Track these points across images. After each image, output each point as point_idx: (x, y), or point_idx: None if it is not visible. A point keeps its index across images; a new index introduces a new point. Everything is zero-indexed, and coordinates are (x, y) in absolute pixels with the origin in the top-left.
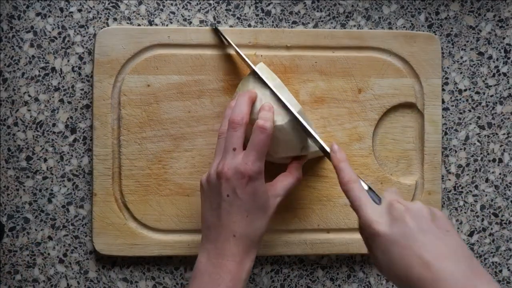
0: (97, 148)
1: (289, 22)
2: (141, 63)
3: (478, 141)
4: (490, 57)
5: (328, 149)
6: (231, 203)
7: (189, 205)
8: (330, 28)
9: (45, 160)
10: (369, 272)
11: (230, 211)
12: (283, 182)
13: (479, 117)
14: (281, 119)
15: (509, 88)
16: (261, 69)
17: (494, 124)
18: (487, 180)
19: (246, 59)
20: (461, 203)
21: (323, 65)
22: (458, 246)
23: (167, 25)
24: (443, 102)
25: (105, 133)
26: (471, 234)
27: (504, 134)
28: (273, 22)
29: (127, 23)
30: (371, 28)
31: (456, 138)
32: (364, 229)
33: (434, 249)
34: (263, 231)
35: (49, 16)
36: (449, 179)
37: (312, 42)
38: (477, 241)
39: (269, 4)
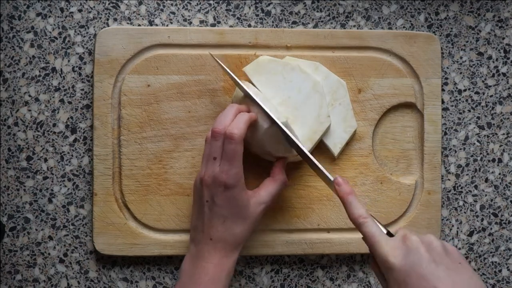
0: (97, 148)
1: (289, 22)
2: (141, 63)
3: (478, 141)
4: (489, 57)
5: (331, 178)
6: (210, 208)
7: (189, 205)
8: (330, 28)
9: (46, 160)
10: (369, 272)
11: (209, 216)
12: (268, 188)
13: (478, 117)
14: (266, 124)
15: (509, 88)
16: (259, 67)
17: (494, 124)
18: (486, 180)
19: (239, 82)
20: (461, 203)
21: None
22: (471, 278)
23: (167, 25)
24: (442, 102)
25: (105, 133)
26: (470, 234)
27: (503, 134)
28: (273, 22)
29: (127, 23)
30: (371, 28)
31: (456, 138)
32: (381, 263)
33: (448, 281)
34: (244, 236)
35: (49, 16)
36: (449, 179)
37: (312, 42)
38: (477, 241)
39: (269, 4)
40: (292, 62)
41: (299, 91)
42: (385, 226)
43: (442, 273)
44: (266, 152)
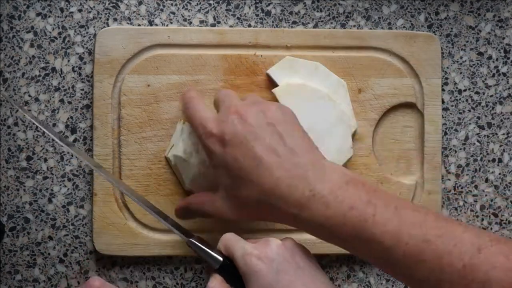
0: (97, 148)
1: (289, 22)
2: (141, 63)
3: (478, 141)
4: (490, 57)
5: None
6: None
7: None
8: (330, 28)
9: (45, 160)
10: (369, 272)
11: None
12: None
13: (478, 117)
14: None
15: (509, 88)
16: (288, 90)
17: (494, 124)
18: (486, 180)
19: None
20: (461, 203)
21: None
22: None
23: (167, 25)
24: (443, 102)
25: (105, 133)
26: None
27: (503, 134)
28: (273, 22)
29: (127, 23)
30: (371, 28)
31: (456, 138)
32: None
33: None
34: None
35: (49, 16)
36: (449, 179)
37: (312, 42)
38: None
39: (269, 4)
40: (322, 90)
41: (325, 120)
42: None
43: (307, 279)
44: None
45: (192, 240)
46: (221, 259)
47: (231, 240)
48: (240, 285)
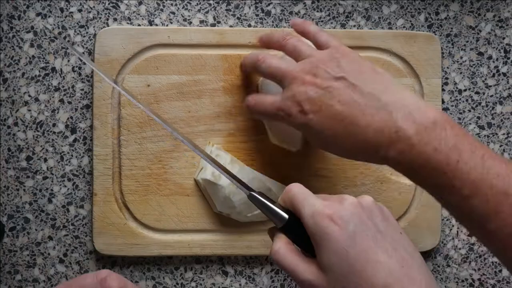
0: (97, 148)
1: (289, 22)
2: (141, 63)
3: None
4: (490, 57)
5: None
6: None
7: (189, 205)
8: (330, 28)
9: (45, 160)
10: None
11: None
12: None
13: (479, 117)
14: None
15: (509, 88)
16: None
17: (494, 124)
18: None
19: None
20: None
21: None
22: (410, 246)
23: (167, 25)
24: (443, 102)
25: (105, 133)
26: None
27: (504, 134)
28: (273, 22)
29: (127, 23)
30: (371, 28)
31: None
32: (312, 225)
33: (397, 255)
34: None
35: (49, 16)
36: None
37: None
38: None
39: (269, 4)
40: None
41: None
42: None
43: (388, 245)
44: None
45: (254, 194)
46: (286, 216)
47: (298, 194)
48: (307, 247)
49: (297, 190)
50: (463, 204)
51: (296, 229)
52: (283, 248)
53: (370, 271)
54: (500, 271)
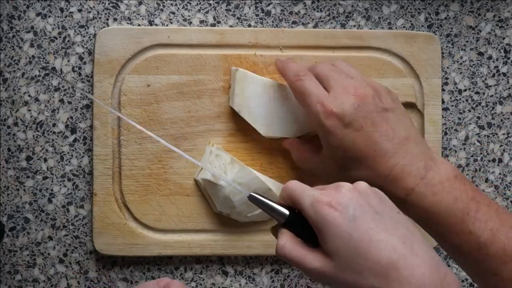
0: (97, 148)
1: (289, 22)
2: (141, 63)
3: (478, 141)
4: (490, 57)
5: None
6: None
7: (189, 205)
8: (330, 28)
9: (45, 160)
10: None
11: None
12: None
13: (479, 117)
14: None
15: (509, 88)
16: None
17: (494, 124)
18: (487, 180)
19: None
20: None
21: None
22: (409, 223)
23: (167, 25)
24: (443, 102)
25: (105, 133)
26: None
27: (504, 134)
28: (273, 22)
29: (127, 23)
30: (371, 28)
31: (456, 138)
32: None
33: (399, 232)
34: None
35: (49, 16)
36: None
37: (312, 42)
38: None
39: (269, 4)
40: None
41: None
42: None
43: (388, 224)
44: None
45: (253, 194)
46: (287, 212)
47: (296, 189)
48: (311, 237)
49: (294, 185)
50: (479, 249)
51: (298, 222)
52: (288, 242)
53: (374, 250)
54: None
